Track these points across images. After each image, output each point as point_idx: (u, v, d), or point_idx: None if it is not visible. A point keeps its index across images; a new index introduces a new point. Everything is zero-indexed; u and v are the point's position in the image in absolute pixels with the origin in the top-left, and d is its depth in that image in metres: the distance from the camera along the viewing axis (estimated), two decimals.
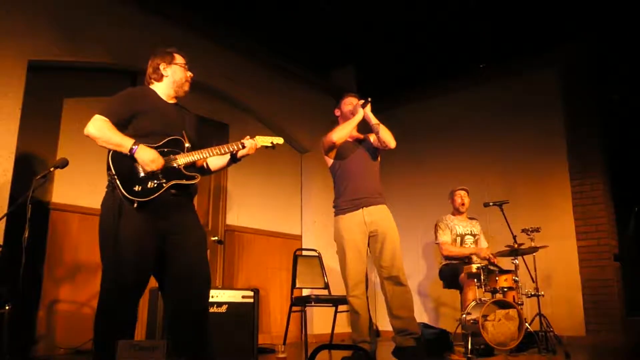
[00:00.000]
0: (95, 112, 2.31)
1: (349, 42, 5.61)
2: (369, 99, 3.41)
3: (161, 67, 2.51)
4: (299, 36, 5.34)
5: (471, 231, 4.60)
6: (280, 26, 5.18)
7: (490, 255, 4.37)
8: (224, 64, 5.13)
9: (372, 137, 3.53)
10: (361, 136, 3.61)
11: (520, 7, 4.81)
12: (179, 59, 2.54)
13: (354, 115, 3.41)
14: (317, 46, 5.62)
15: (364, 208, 3.36)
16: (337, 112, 3.63)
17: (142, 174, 2.24)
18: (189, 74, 2.56)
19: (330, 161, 3.56)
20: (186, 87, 2.55)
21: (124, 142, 2.24)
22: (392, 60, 5.89)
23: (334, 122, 3.61)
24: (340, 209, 3.44)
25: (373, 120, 3.39)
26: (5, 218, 3.07)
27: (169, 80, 2.51)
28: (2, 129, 3.48)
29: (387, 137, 3.39)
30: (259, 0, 4.76)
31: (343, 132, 3.40)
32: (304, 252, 4.71)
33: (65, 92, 4.14)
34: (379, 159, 3.59)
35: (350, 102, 3.53)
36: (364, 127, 3.50)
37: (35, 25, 3.76)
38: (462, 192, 4.71)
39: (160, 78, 2.52)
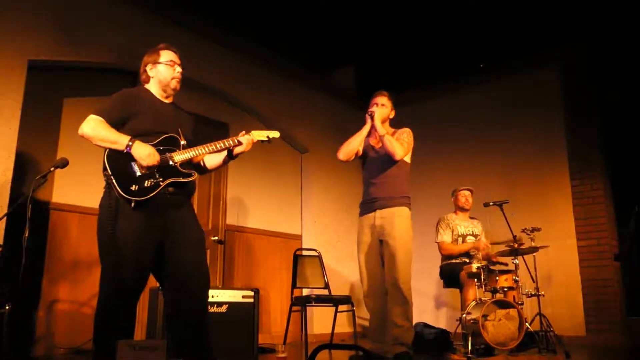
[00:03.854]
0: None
1: (349, 42, 5.60)
2: (373, 112, 3.36)
3: (148, 67, 2.47)
4: (299, 36, 5.33)
5: (472, 231, 4.59)
6: (281, 26, 5.18)
7: (489, 248, 4.34)
8: (224, 63, 5.13)
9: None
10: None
11: (521, 7, 4.81)
12: (165, 56, 2.46)
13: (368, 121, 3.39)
14: (317, 46, 5.62)
15: (378, 210, 3.35)
16: None
17: (138, 173, 2.23)
18: (177, 70, 2.46)
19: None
20: (173, 85, 2.46)
21: (119, 139, 2.22)
22: (392, 60, 5.89)
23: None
24: (360, 210, 3.49)
25: (380, 131, 3.35)
26: (5, 218, 3.07)
27: (155, 80, 2.47)
28: (2, 129, 3.48)
29: (390, 149, 3.30)
30: (259, 0, 4.76)
31: (348, 149, 3.43)
32: (304, 252, 4.70)
33: (65, 92, 4.13)
34: (405, 160, 3.45)
35: (375, 103, 3.47)
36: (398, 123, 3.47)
37: (35, 25, 3.76)
38: (467, 192, 4.70)
39: (148, 79, 2.48)
